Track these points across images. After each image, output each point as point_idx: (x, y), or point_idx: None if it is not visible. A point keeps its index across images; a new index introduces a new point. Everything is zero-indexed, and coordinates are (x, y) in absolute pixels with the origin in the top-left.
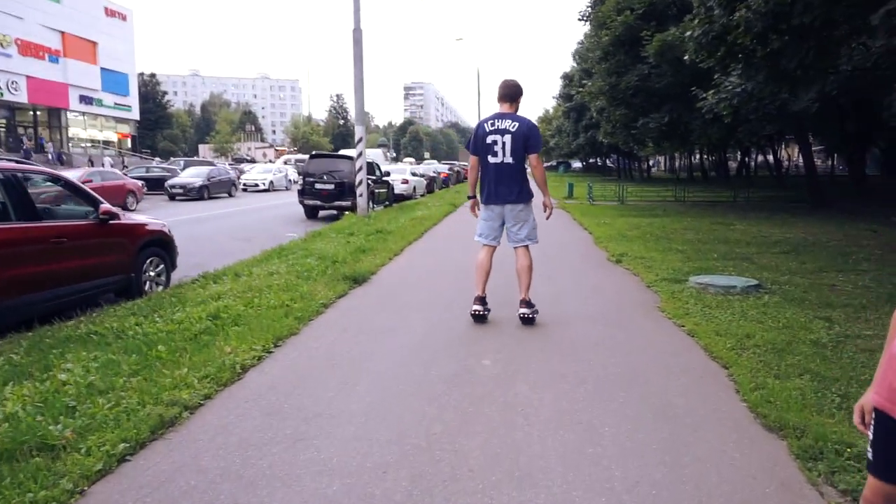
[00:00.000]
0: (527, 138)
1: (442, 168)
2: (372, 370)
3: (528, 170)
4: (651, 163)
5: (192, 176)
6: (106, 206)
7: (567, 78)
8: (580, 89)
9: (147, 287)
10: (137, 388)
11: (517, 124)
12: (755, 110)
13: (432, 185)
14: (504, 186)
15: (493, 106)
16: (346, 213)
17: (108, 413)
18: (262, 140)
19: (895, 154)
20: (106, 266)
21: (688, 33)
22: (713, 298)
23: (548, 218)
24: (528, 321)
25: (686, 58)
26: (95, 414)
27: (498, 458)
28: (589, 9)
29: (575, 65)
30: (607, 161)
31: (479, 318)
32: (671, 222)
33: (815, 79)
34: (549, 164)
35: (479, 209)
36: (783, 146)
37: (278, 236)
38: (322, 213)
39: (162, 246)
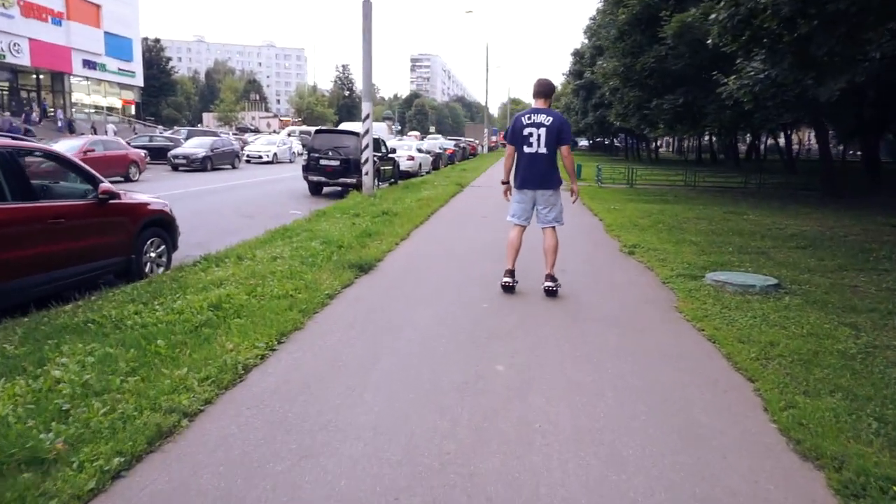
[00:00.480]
0: (560, 132)
1: (448, 144)
2: (380, 373)
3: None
4: (658, 143)
5: (195, 146)
6: (106, 184)
7: (578, 55)
8: (593, 69)
9: (147, 269)
10: (135, 391)
11: (552, 119)
12: (773, 97)
13: (438, 161)
14: (537, 173)
15: (501, 81)
16: (352, 191)
17: (102, 420)
18: (267, 109)
19: None
20: (105, 247)
21: (712, 16)
22: (731, 298)
23: (574, 202)
24: (551, 293)
25: (709, 41)
26: (90, 420)
27: (517, 484)
28: None
29: (586, 41)
30: (615, 140)
31: (509, 289)
32: (683, 210)
33: (842, 67)
34: None
35: (510, 194)
36: (794, 130)
37: (282, 214)
38: (326, 189)
39: (163, 226)
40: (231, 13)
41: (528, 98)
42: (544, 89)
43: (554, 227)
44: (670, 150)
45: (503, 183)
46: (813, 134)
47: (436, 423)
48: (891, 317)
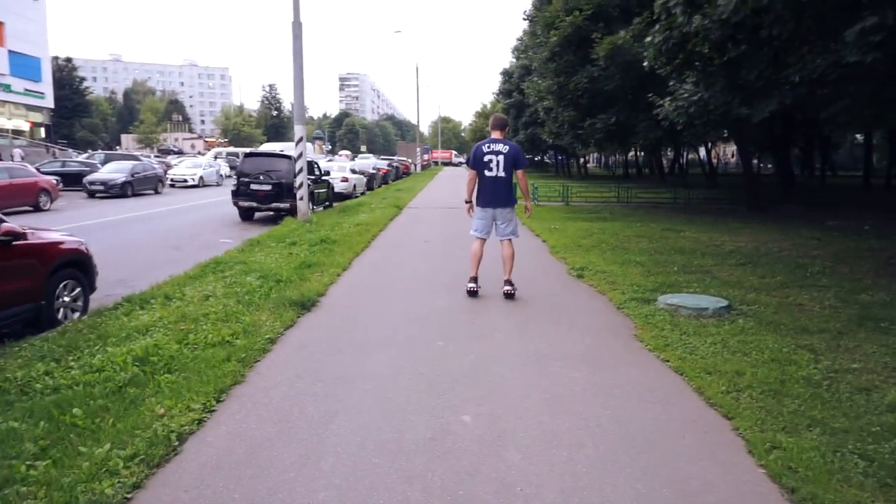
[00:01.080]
0: (515, 158)
1: (381, 164)
2: (335, 435)
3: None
4: (587, 159)
5: (114, 171)
6: (8, 225)
7: (506, 74)
8: (526, 85)
9: (61, 315)
10: (44, 480)
11: (508, 147)
12: (701, 116)
13: (372, 182)
14: (497, 194)
15: (431, 100)
16: (286, 216)
17: None
18: (191, 130)
19: (812, 153)
20: (10, 295)
21: (648, 38)
22: (688, 322)
23: (528, 217)
24: (510, 296)
25: (645, 63)
26: None
27: None
28: (534, 9)
29: (514, 61)
30: (545, 157)
31: (473, 294)
32: (622, 228)
33: (769, 91)
34: None
35: (472, 211)
36: (713, 146)
37: (212, 243)
38: (258, 214)
39: (78, 266)
40: (149, 31)
41: (458, 116)
42: (500, 122)
43: (510, 239)
44: (598, 165)
45: (467, 202)
46: (727, 148)
47: (406, 495)
48: (841, 337)
